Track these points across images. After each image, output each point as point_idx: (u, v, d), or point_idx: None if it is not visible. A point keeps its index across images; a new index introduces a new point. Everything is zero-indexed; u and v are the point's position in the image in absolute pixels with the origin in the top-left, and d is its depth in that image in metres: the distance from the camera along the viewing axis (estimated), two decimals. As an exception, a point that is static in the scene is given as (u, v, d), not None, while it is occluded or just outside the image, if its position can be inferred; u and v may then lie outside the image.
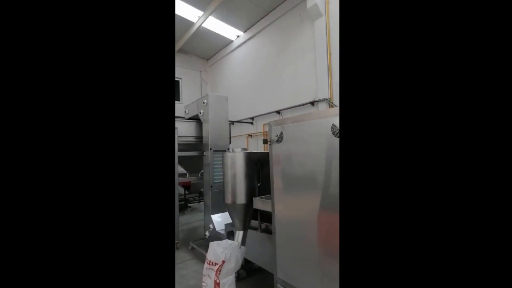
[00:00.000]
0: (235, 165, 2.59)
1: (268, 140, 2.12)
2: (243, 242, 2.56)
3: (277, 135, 2.00)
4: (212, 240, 4.18)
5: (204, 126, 4.35)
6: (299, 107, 6.72)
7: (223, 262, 2.29)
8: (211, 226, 4.00)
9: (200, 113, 4.37)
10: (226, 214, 4.29)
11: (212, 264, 2.33)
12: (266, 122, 7.90)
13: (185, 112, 5.02)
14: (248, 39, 8.74)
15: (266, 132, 7.78)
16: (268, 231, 2.68)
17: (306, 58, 6.63)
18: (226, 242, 2.45)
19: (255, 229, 2.73)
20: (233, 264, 2.29)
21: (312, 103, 6.39)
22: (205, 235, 4.10)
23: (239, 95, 8.93)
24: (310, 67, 6.52)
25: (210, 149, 4.13)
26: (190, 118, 4.81)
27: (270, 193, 2.87)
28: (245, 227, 2.62)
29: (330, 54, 6.02)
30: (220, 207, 4.16)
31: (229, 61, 9.80)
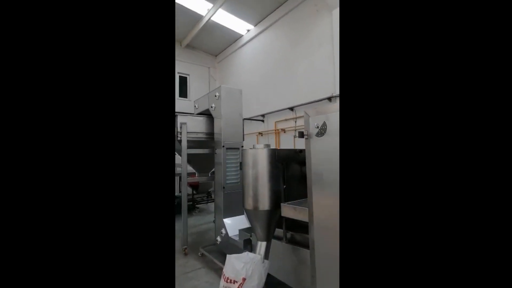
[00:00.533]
0: (258, 165, 2.19)
1: (304, 133, 1.72)
2: (266, 255, 2.16)
3: (317, 127, 1.60)
4: (224, 246, 3.85)
5: (216, 121, 3.97)
6: (315, 103, 6.29)
7: (244, 279, 1.90)
8: (223, 231, 3.63)
9: (212, 107, 4.00)
10: (240, 218, 3.91)
11: (231, 282, 1.94)
12: (278, 120, 7.61)
13: (195, 106, 4.65)
14: (259, 33, 8.34)
15: (278, 130, 7.37)
16: (295, 242, 2.28)
17: (323, 51, 6.20)
18: (247, 255, 2.06)
19: (279, 239, 2.33)
20: (256, 282, 1.91)
21: (330, 99, 5.96)
22: (216, 240, 3.72)
23: (249, 91, 8.54)
24: (327, 61, 6.08)
25: (223, 146, 3.74)
26: (200, 113, 4.43)
27: (297, 198, 2.48)
28: (269, 238, 2.22)
29: (350, 45, 5.58)
30: (233, 210, 3.78)
31: (239, 56, 9.42)
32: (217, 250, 3.78)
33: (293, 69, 7.04)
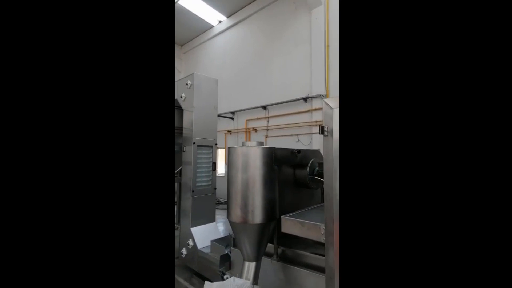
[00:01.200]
0: (249, 167, 1.76)
1: (324, 128, 1.35)
2: (256, 280, 1.74)
3: (345, 121, 1.25)
4: (190, 261, 3.26)
5: (186, 114, 3.41)
6: (290, 103, 6.07)
7: (231, 316, 1.46)
8: (190, 242, 3.08)
9: (181, 97, 3.42)
10: (211, 226, 3.40)
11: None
12: (250, 118, 7.24)
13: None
14: (232, 26, 7.86)
15: (249, 128, 6.99)
16: (287, 259, 1.90)
17: (300, 50, 6.02)
18: (233, 282, 1.61)
19: (269, 255, 1.93)
20: (245, 318, 1.48)
21: (305, 99, 5.80)
22: (181, 253, 3.16)
23: (218, 86, 7.98)
24: (304, 60, 5.91)
25: (194, 143, 3.20)
26: (166, 103, 3.80)
27: (291, 208, 2.11)
28: (259, 257, 1.80)
29: (328, 46, 5.48)
30: (202, 217, 3.26)
31: (208, 48, 8.80)
32: (182, 265, 3.21)
33: (268, 67, 6.74)
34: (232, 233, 2.45)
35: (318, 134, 5.31)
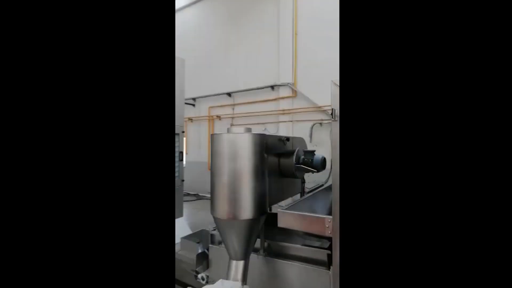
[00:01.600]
0: (238, 156, 1.56)
1: (332, 113, 1.22)
2: (245, 279, 1.59)
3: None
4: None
5: None
6: (257, 90, 5.91)
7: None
8: (156, 241, 2.76)
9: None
10: (179, 221, 3.11)
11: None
12: (213, 105, 6.86)
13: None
14: (193, 3, 7.24)
15: (212, 116, 6.63)
16: (274, 253, 1.79)
17: (268, 37, 5.84)
18: (222, 285, 1.44)
19: (254, 250, 1.80)
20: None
21: (272, 87, 5.69)
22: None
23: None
24: (272, 48, 5.76)
25: (160, 130, 2.82)
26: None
27: (277, 199, 1.98)
28: (248, 254, 1.65)
29: (296, 34, 5.41)
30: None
31: (165, 27, 7.99)
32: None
33: (233, 52, 6.41)
34: (209, 229, 2.24)
35: (285, 122, 5.23)
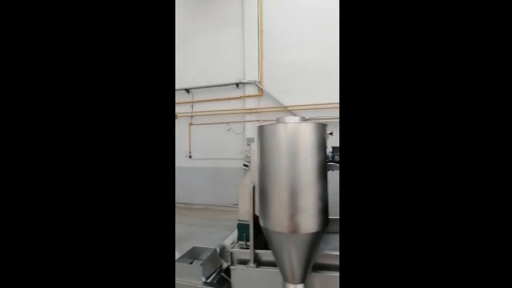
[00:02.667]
0: (299, 152, 1.26)
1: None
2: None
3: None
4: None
5: None
6: (219, 87, 5.51)
7: None
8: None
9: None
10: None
11: None
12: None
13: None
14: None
15: (167, 115, 5.85)
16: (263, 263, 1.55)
17: (231, 31, 5.52)
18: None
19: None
20: None
21: (237, 85, 5.40)
22: None
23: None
24: (235, 44, 5.47)
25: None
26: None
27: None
28: (307, 275, 1.35)
29: (261, 31, 5.28)
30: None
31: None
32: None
33: (191, 45, 5.83)
34: (225, 244, 1.83)
35: (252, 122, 5.02)
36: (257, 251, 1.67)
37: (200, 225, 4.47)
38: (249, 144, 5.42)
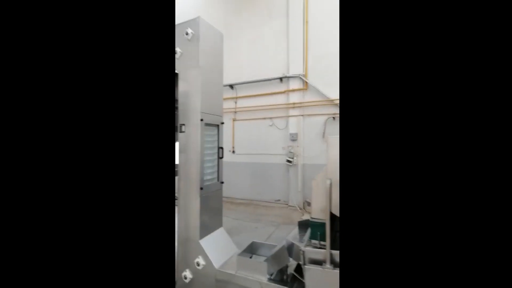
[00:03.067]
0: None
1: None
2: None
3: None
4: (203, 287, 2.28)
5: (181, 79, 2.37)
6: (263, 82, 5.46)
7: None
8: (200, 260, 2.19)
9: (175, 53, 2.34)
10: (221, 234, 2.51)
11: None
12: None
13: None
14: (184, -16, 6.46)
15: (211, 111, 5.98)
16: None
17: (276, 25, 5.42)
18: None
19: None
20: None
21: (281, 79, 5.30)
22: (184, 277, 2.23)
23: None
24: (280, 36, 5.36)
25: (201, 120, 2.24)
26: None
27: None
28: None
29: (307, 22, 5.10)
30: (210, 224, 2.37)
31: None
32: (186, 294, 2.27)
33: (236, 40, 5.85)
34: (296, 241, 1.76)
35: (295, 117, 4.88)
36: (333, 251, 1.58)
37: (245, 220, 4.51)
38: (293, 140, 5.29)
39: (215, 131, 2.49)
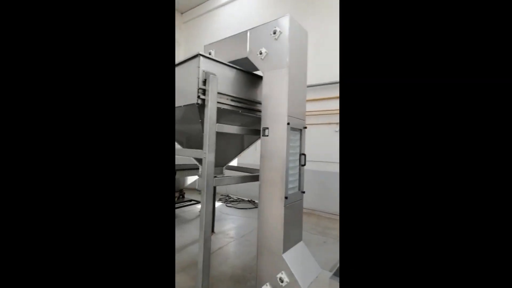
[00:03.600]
0: None
1: None
2: None
3: None
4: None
5: (265, 78, 2.24)
6: (327, 86, 5.14)
7: None
8: (283, 276, 1.99)
9: (260, 53, 2.24)
10: (301, 248, 2.30)
11: None
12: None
13: (209, 53, 2.73)
14: (249, -7, 6.61)
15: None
16: None
17: (336, 26, 5.07)
18: None
19: None
20: None
21: (351, 82, 4.90)
22: (263, 292, 2.05)
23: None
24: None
25: (288, 124, 2.08)
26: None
27: None
28: None
29: (383, 19, 4.63)
30: (294, 237, 2.16)
31: (213, 20, 7.39)
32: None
33: (298, 42, 5.68)
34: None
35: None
36: None
37: (311, 231, 4.20)
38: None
39: (298, 136, 2.31)
